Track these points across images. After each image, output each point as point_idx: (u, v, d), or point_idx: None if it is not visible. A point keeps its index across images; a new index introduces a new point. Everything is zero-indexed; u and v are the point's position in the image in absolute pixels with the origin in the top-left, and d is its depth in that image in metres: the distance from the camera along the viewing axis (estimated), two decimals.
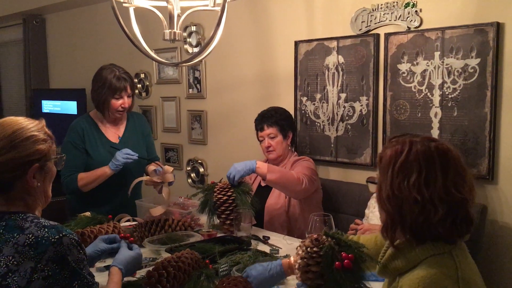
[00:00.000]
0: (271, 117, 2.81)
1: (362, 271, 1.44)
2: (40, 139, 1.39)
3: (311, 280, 1.44)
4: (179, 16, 2.09)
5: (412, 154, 1.30)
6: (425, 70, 2.65)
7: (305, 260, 1.45)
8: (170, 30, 2.07)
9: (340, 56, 2.98)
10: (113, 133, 2.83)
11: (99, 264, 1.94)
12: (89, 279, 1.35)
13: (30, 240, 1.27)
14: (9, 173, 1.34)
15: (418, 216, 1.26)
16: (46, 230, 1.30)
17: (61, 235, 1.30)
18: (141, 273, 1.78)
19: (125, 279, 1.66)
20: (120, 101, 2.72)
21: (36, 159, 1.37)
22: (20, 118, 1.42)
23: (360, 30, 2.88)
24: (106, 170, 2.64)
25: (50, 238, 1.28)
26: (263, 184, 2.77)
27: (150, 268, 1.71)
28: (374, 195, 2.49)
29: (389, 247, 1.37)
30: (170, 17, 2.06)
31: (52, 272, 1.26)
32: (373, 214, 2.39)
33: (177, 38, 2.08)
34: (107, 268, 1.69)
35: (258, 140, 2.87)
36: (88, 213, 2.43)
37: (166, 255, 2.02)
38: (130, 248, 1.74)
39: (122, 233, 2.24)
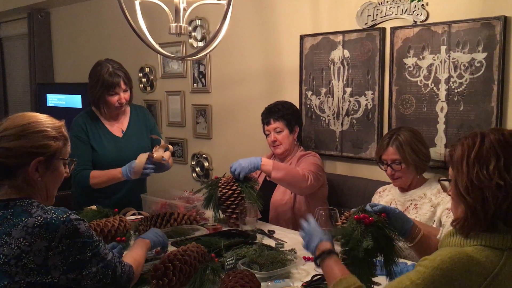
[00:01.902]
0: (278, 111, 2.79)
1: (377, 231, 1.55)
2: (51, 136, 1.47)
3: None
4: (185, 10, 2.09)
5: (486, 143, 1.30)
6: (431, 65, 2.64)
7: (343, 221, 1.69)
8: (176, 24, 2.07)
9: (345, 50, 2.97)
10: (117, 127, 2.83)
11: None
12: (98, 240, 1.44)
13: (40, 221, 1.34)
14: (14, 159, 1.42)
15: (503, 202, 1.25)
16: (53, 211, 1.38)
17: (68, 213, 1.38)
18: (147, 266, 1.79)
19: None
20: (116, 97, 2.70)
21: (41, 153, 1.44)
22: (41, 115, 1.51)
23: (366, 24, 2.86)
24: (119, 176, 2.62)
25: (59, 217, 1.36)
26: (268, 178, 2.77)
27: (156, 261, 1.72)
28: (378, 191, 2.51)
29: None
30: (176, 11, 2.06)
31: (66, 247, 1.35)
32: None
33: (183, 32, 2.09)
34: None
35: (264, 134, 2.87)
36: (94, 207, 2.44)
37: (172, 248, 2.03)
38: None
39: (128, 226, 2.26)
